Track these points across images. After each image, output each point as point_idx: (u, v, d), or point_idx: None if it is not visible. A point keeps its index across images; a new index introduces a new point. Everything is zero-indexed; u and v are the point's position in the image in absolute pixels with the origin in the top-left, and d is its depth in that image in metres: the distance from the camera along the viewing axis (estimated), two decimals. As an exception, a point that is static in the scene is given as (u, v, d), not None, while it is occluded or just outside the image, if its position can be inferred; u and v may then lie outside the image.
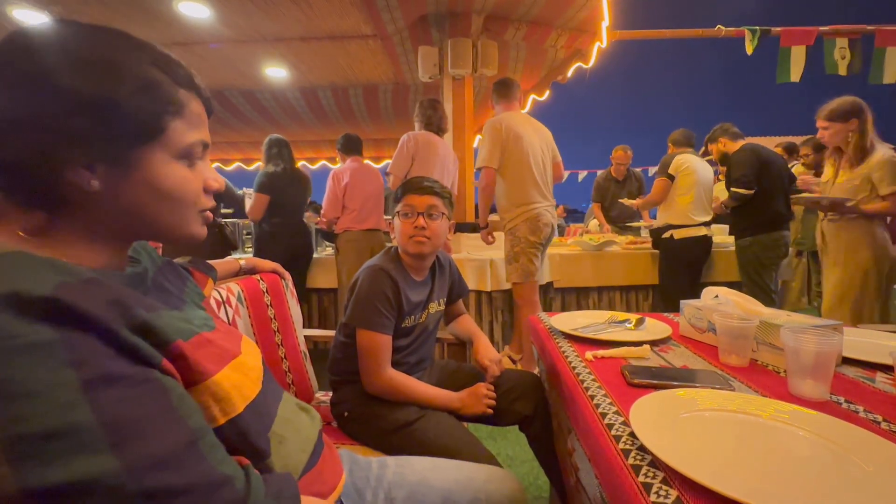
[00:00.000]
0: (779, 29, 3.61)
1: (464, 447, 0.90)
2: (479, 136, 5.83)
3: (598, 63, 3.79)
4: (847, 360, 0.78)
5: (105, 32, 0.41)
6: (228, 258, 1.09)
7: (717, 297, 0.95)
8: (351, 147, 2.85)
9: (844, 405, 0.62)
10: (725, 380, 0.71)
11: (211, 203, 0.50)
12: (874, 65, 3.44)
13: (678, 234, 2.66)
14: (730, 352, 0.80)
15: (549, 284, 2.92)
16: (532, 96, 4.65)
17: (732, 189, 2.49)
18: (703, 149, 2.95)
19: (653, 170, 3.05)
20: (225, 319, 0.91)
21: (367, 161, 2.90)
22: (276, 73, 4.20)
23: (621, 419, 0.59)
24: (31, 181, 0.38)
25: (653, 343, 0.90)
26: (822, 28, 3.54)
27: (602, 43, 3.45)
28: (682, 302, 1.00)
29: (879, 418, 0.58)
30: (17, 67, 0.37)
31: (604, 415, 0.61)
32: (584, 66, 3.77)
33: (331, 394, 1.16)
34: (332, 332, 1.63)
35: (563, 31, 3.57)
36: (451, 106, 3.53)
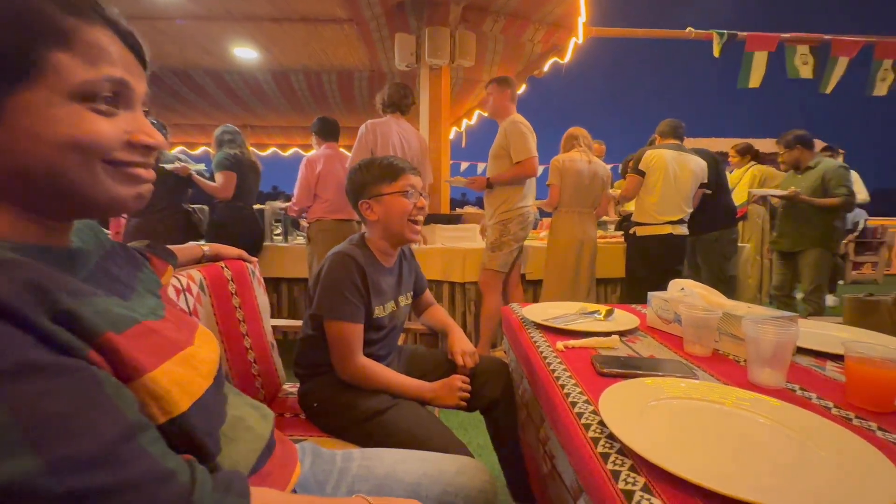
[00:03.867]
0: (745, 34, 3.74)
1: (435, 437, 0.90)
2: (466, 122, 5.79)
3: (574, 59, 3.83)
4: (801, 350, 0.82)
5: None
6: (190, 244, 1.03)
7: (682, 289, 0.98)
8: (328, 132, 2.77)
9: (799, 392, 0.65)
10: (690, 369, 0.73)
11: (139, 158, 0.43)
12: (826, 73, 3.63)
13: (640, 231, 2.72)
14: (694, 342, 0.83)
15: (521, 276, 2.95)
16: (508, 89, 4.66)
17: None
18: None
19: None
20: (185, 309, 0.86)
21: (341, 149, 2.82)
22: (245, 53, 4.02)
23: (591, 408, 0.59)
24: None
25: (621, 333, 0.92)
26: (783, 35, 3.70)
27: (578, 39, 3.48)
28: (649, 294, 1.03)
29: (830, 405, 0.61)
30: None
31: (574, 404, 0.61)
32: (561, 62, 3.80)
33: (299, 385, 1.13)
34: (300, 322, 1.59)
35: (541, 26, 3.58)
36: (427, 96, 3.49)
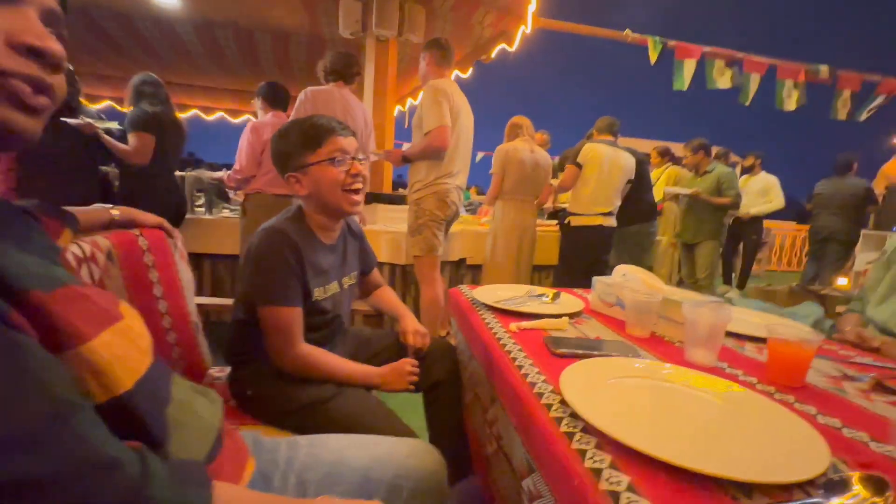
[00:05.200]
0: (674, 42, 4.03)
1: (382, 423, 0.86)
2: (410, 102, 5.62)
3: (522, 48, 3.87)
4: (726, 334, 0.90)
5: None
6: (96, 206, 0.88)
7: (624, 274, 1.03)
8: (276, 100, 2.56)
9: (728, 370, 0.71)
10: (634, 350, 0.76)
11: (27, 69, 0.33)
12: (742, 87, 4.04)
13: (574, 220, 2.87)
14: (635, 324, 0.87)
15: (462, 261, 2.97)
16: (456, 71, 4.60)
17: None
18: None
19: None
20: (89, 281, 0.73)
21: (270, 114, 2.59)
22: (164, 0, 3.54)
23: (550, 388, 0.59)
24: None
25: (569, 316, 0.95)
26: (705, 48, 4.04)
27: (527, 28, 3.52)
28: (594, 278, 1.07)
29: (755, 380, 0.68)
30: None
31: (533, 384, 0.61)
32: (508, 49, 3.82)
33: (227, 370, 1.03)
34: (228, 301, 1.45)
35: (491, 9, 3.55)
36: (372, 68, 3.33)
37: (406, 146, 2.34)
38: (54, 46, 0.34)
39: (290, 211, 0.96)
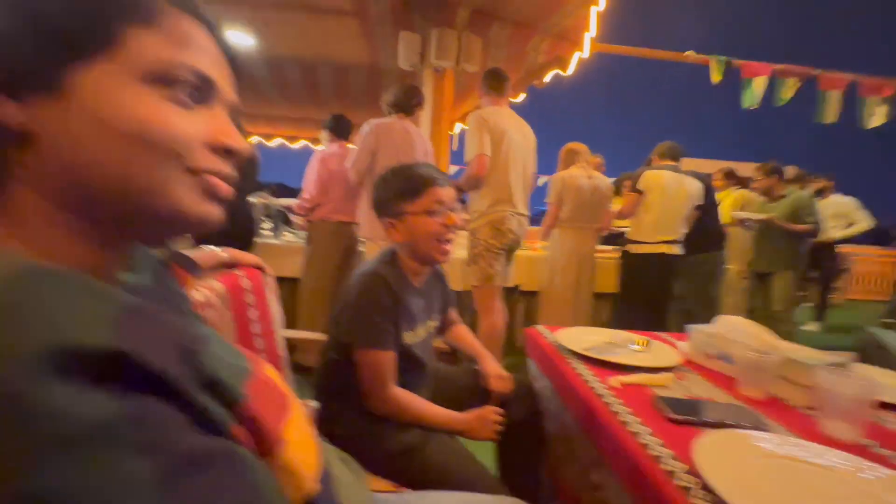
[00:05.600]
0: (739, 62, 3.86)
1: (474, 476, 0.84)
2: (459, 126, 5.75)
3: (576, 72, 3.84)
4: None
5: None
6: (206, 249, 0.94)
7: (727, 324, 0.96)
8: (342, 131, 2.71)
9: (877, 450, 0.63)
10: (759, 419, 0.69)
11: (221, 167, 0.35)
12: (818, 105, 3.79)
13: (635, 248, 2.76)
14: (749, 384, 0.80)
15: (515, 288, 2.92)
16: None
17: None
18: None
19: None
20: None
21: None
22: (239, 39, 3.85)
23: (680, 465, 0.55)
24: None
25: (670, 369, 0.89)
26: (775, 66, 3.84)
27: (583, 53, 3.50)
28: (690, 327, 1.00)
29: (914, 466, 0.59)
30: None
31: (657, 457, 0.57)
32: (563, 74, 3.80)
33: (311, 403, 1.05)
34: (313, 335, 1.50)
35: (546, 37, 3.57)
36: (430, 97, 3.42)
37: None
38: (244, 145, 0.36)
39: (385, 255, 0.98)
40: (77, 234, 0.31)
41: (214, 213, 0.35)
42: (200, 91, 0.34)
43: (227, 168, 0.35)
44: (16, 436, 0.18)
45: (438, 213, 0.92)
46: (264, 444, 0.30)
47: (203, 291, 0.79)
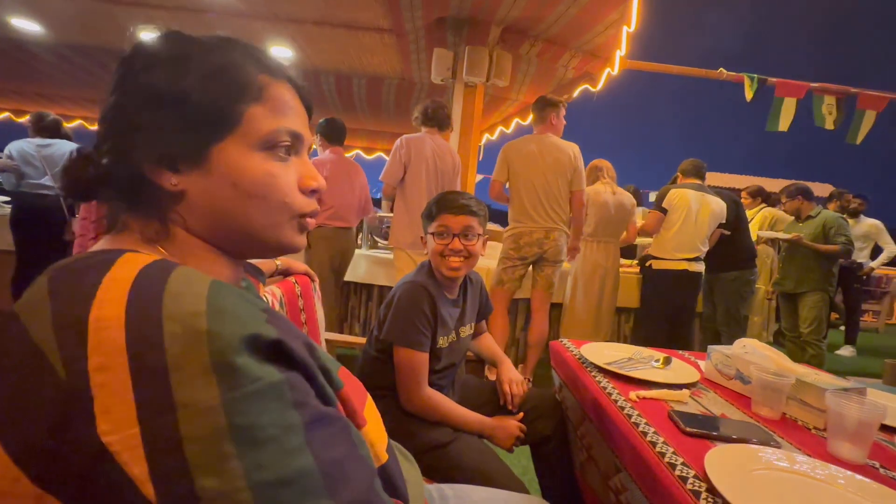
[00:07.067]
0: (774, 79, 3.82)
1: (496, 474, 0.92)
2: (487, 136, 5.87)
3: (604, 88, 3.89)
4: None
5: (177, 35, 0.41)
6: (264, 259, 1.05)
7: (744, 346, 1.01)
8: (335, 136, 2.73)
9: (882, 471, 0.68)
10: (770, 436, 0.75)
11: (311, 207, 0.46)
12: (853, 125, 3.70)
13: (656, 265, 2.77)
14: (763, 404, 0.85)
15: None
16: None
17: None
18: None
19: (653, 195, 3.22)
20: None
21: (357, 151, 2.83)
22: (281, 52, 4.07)
23: (693, 472, 0.62)
24: (118, 183, 0.39)
25: (687, 386, 0.95)
26: (812, 84, 3.77)
27: (613, 70, 3.54)
28: (710, 347, 1.05)
29: (916, 487, 0.64)
30: (115, 72, 0.40)
31: (672, 465, 0.63)
32: (592, 90, 3.85)
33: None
34: (352, 338, 1.62)
35: (577, 53, 3.64)
36: (460, 110, 3.54)
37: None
38: (323, 182, 0.47)
39: (423, 267, 1.10)
40: (216, 255, 0.43)
41: (303, 242, 0.47)
42: (293, 145, 0.44)
43: (314, 204, 0.46)
44: (230, 388, 0.28)
45: (444, 236, 1.06)
46: (354, 421, 0.40)
47: (268, 297, 0.90)
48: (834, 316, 4.08)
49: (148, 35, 0.41)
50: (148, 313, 0.29)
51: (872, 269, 4.27)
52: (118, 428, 0.27)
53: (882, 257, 4.29)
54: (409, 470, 0.56)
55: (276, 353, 0.31)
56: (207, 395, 0.27)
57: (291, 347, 0.32)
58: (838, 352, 4.31)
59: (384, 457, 0.44)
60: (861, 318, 6.00)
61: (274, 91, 0.42)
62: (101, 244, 0.39)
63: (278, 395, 0.30)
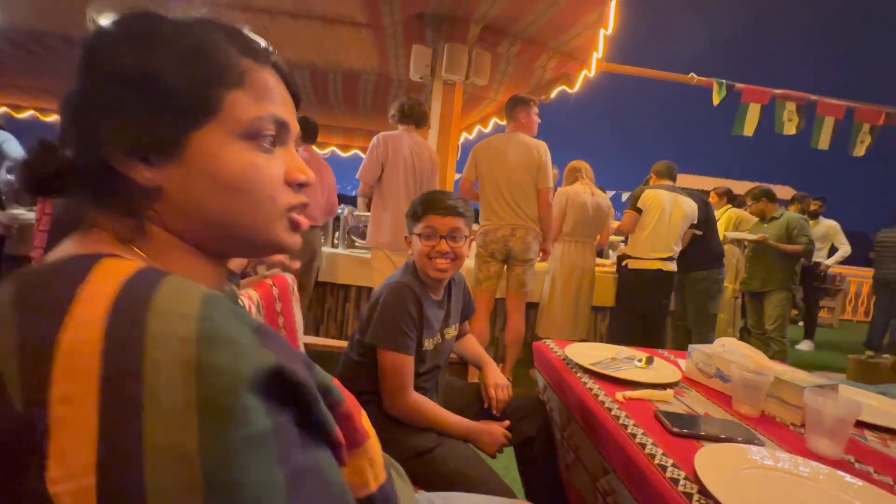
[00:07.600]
0: (741, 85, 3.96)
1: (482, 479, 0.90)
2: (465, 135, 5.85)
3: (581, 89, 3.94)
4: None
5: (148, 12, 0.38)
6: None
7: (723, 345, 1.03)
8: (307, 134, 2.68)
9: (857, 465, 0.70)
10: (753, 434, 0.76)
11: (299, 200, 0.42)
12: (814, 130, 3.89)
13: (632, 264, 2.84)
14: (743, 402, 0.87)
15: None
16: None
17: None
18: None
19: (625, 195, 3.30)
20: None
21: (333, 148, 2.76)
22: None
23: (683, 473, 0.62)
24: (85, 177, 0.35)
25: (671, 385, 0.96)
26: (776, 91, 3.94)
27: (590, 72, 3.59)
28: (690, 346, 1.07)
29: (890, 480, 0.66)
30: (78, 54, 0.36)
31: (662, 467, 0.63)
32: (569, 91, 3.90)
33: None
34: (330, 341, 1.56)
35: (555, 55, 3.67)
36: (439, 109, 3.51)
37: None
38: (312, 176, 0.43)
39: (408, 268, 1.06)
40: (198, 256, 0.39)
41: (297, 241, 0.43)
42: (278, 135, 0.41)
43: (302, 198, 0.42)
44: (213, 433, 0.24)
45: (431, 238, 1.03)
46: (356, 438, 0.36)
47: (244, 301, 0.85)
48: (794, 312, 4.29)
49: (110, 19, 0.37)
50: (130, 337, 0.25)
51: (828, 266, 4.52)
52: (71, 476, 0.23)
53: (837, 256, 4.56)
54: (403, 487, 0.54)
55: (275, 384, 0.27)
56: (184, 439, 0.23)
57: (292, 371, 0.28)
58: (798, 346, 4.53)
59: (382, 476, 0.40)
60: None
61: (257, 76, 0.38)
62: (69, 245, 0.34)
63: (265, 446, 0.25)
